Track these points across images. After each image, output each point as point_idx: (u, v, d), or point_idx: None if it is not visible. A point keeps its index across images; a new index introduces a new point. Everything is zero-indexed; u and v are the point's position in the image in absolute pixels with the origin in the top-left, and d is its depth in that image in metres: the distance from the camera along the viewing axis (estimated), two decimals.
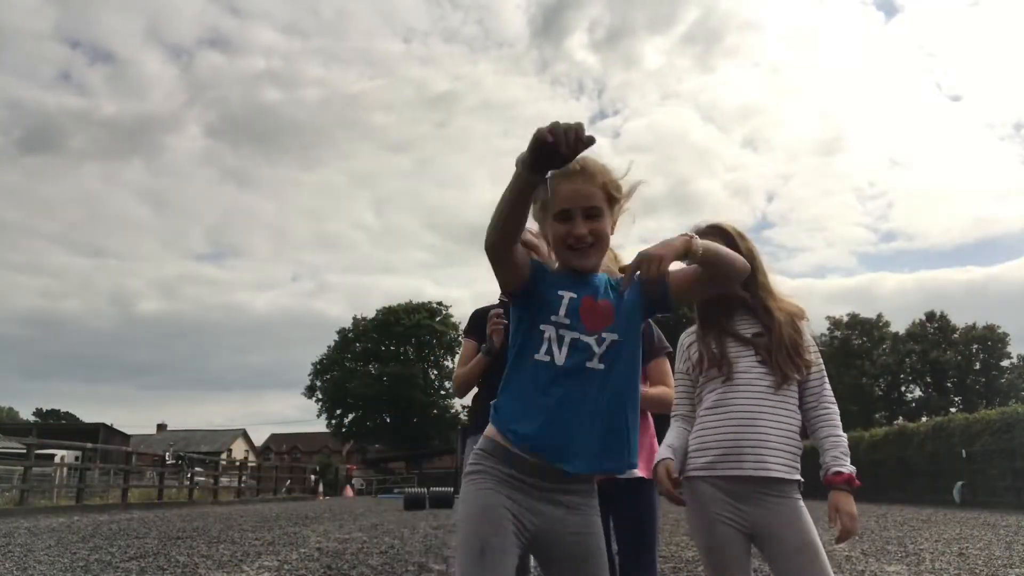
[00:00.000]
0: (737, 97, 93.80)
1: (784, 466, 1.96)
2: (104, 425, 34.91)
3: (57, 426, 45.97)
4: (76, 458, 19.66)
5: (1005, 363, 49.81)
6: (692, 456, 2.06)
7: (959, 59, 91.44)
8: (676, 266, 1.73)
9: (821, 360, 2.11)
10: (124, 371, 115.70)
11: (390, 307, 55.14)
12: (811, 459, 1.99)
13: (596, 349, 1.66)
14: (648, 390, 2.51)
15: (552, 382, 1.64)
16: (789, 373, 2.02)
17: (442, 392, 54.34)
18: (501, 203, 1.56)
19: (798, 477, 1.98)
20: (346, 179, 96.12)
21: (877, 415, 48.04)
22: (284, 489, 31.99)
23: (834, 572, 1.92)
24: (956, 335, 50.06)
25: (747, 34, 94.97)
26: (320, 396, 53.87)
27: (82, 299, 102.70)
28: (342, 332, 55.33)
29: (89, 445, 19.05)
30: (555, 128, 1.42)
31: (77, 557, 6.50)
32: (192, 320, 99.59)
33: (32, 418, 64.90)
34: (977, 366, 49.65)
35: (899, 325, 52.83)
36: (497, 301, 3.08)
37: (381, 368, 52.90)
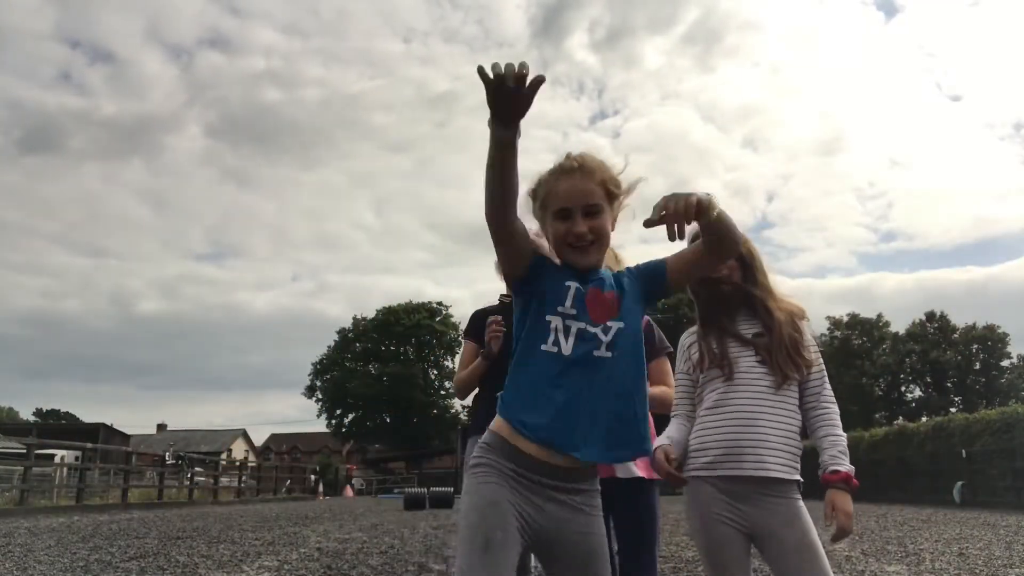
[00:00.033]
0: (737, 97, 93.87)
1: (784, 466, 1.96)
2: (104, 425, 34.92)
3: (57, 426, 45.98)
4: (76, 458, 19.66)
5: (1005, 363, 49.88)
6: (692, 456, 2.06)
7: (959, 59, 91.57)
8: (678, 248, 1.74)
9: (822, 360, 2.12)
10: (124, 371, 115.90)
11: (390, 307, 55.14)
12: (811, 459, 1.99)
13: (603, 338, 1.66)
14: (648, 390, 2.50)
15: (560, 372, 1.63)
16: (789, 373, 2.02)
17: (442, 392, 54.34)
18: (487, 171, 1.56)
19: (798, 477, 1.98)
20: (346, 179, 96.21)
21: (877, 415, 48.06)
22: (284, 489, 31.98)
23: (834, 572, 1.92)
24: (956, 335, 50.09)
25: (747, 34, 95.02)
26: (320, 396, 53.87)
27: (82, 299, 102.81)
28: (342, 332, 55.36)
29: (89, 445, 19.04)
30: (493, 67, 1.42)
31: (77, 557, 6.50)
32: (192, 320, 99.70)
33: (32, 418, 64.99)
34: (977, 366, 49.68)
35: (899, 325, 52.98)
36: (497, 301, 3.08)
37: (381, 368, 52.89)
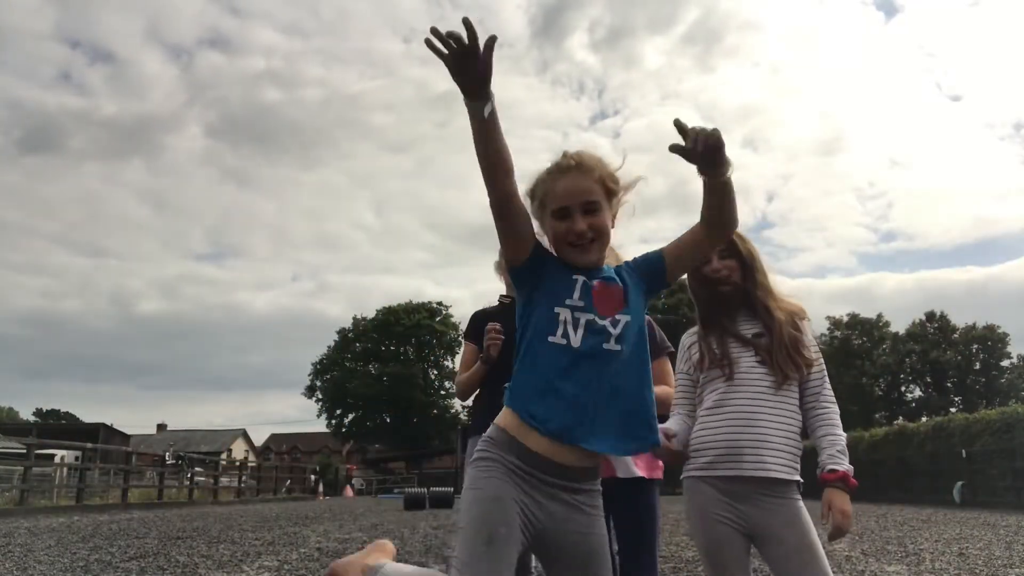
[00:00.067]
0: (737, 97, 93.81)
1: (783, 466, 1.96)
2: (104, 425, 34.92)
3: (57, 426, 45.98)
4: (76, 458, 19.66)
5: (1005, 363, 49.88)
6: (692, 456, 2.06)
7: (959, 59, 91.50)
8: (677, 236, 1.77)
9: (822, 360, 2.12)
10: (124, 371, 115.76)
11: (390, 307, 55.14)
12: (811, 459, 1.99)
13: (612, 331, 1.66)
14: None
15: (570, 365, 1.63)
16: (789, 373, 2.02)
17: (442, 392, 54.35)
18: (475, 148, 1.57)
19: (797, 478, 1.98)
20: (346, 179, 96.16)
21: (877, 415, 48.07)
22: (284, 489, 31.98)
23: (834, 572, 1.92)
24: (956, 335, 50.09)
25: (747, 34, 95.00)
26: (320, 396, 53.88)
27: (82, 299, 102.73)
28: (342, 332, 55.37)
29: (89, 445, 19.04)
30: (434, 32, 1.47)
31: (77, 557, 6.50)
32: (192, 320, 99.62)
33: (32, 418, 64.99)
34: (977, 366, 49.69)
35: (899, 325, 52.97)
36: (497, 302, 3.08)
37: (381, 368, 52.90)
